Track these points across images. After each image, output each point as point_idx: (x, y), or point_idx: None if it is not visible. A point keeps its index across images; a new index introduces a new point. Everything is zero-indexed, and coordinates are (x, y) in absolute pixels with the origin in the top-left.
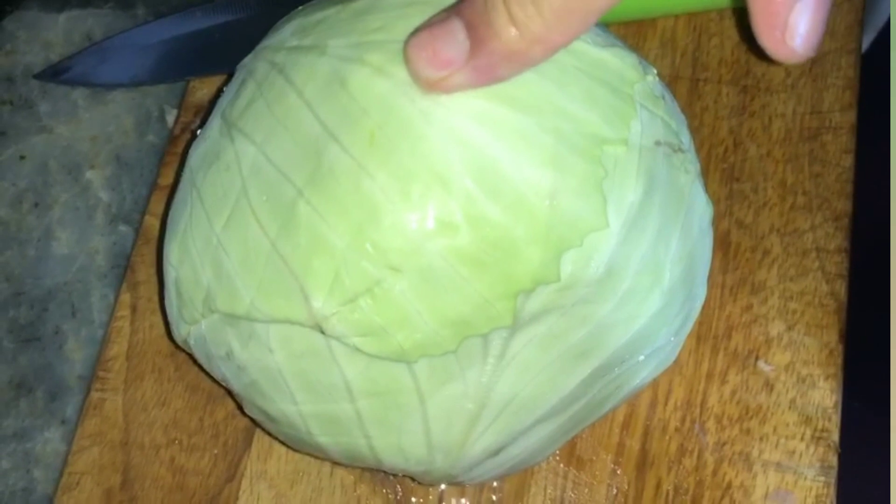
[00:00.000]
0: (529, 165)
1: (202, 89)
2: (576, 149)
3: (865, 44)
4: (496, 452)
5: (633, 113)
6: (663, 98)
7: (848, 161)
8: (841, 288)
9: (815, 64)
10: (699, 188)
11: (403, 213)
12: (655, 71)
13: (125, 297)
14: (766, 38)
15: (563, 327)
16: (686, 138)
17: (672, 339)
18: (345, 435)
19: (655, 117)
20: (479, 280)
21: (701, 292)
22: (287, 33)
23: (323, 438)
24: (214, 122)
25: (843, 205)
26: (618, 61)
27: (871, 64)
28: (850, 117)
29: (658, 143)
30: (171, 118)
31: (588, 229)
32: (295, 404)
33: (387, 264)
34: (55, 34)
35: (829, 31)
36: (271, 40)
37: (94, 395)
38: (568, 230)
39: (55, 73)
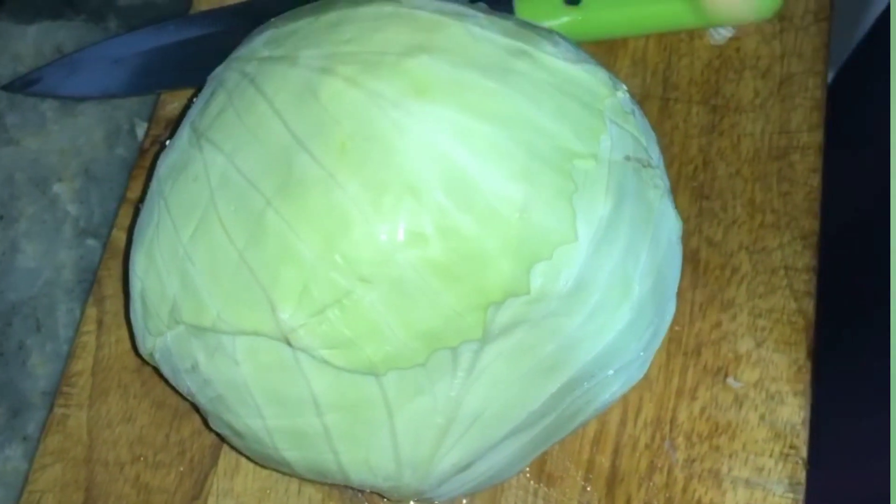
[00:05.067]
0: (501, 178)
1: (173, 102)
2: (547, 162)
3: (830, 76)
4: (465, 468)
5: (602, 128)
6: (633, 114)
7: (815, 180)
8: (809, 305)
9: (783, 84)
10: (668, 203)
11: (374, 223)
12: (626, 87)
13: (91, 312)
14: None
15: (533, 341)
16: (655, 154)
17: (641, 353)
18: (312, 450)
19: (625, 132)
20: (449, 292)
21: (670, 307)
22: (259, 44)
23: (289, 453)
24: (184, 131)
25: (811, 223)
26: (589, 77)
27: (837, 94)
28: (818, 137)
29: (628, 158)
30: (141, 131)
31: (558, 242)
32: (261, 418)
33: (356, 275)
34: (25, 46)
35: (797, 53)
36: (242, 51)
37: (58, 411)
38: (539, 243)
39: (24, 85)
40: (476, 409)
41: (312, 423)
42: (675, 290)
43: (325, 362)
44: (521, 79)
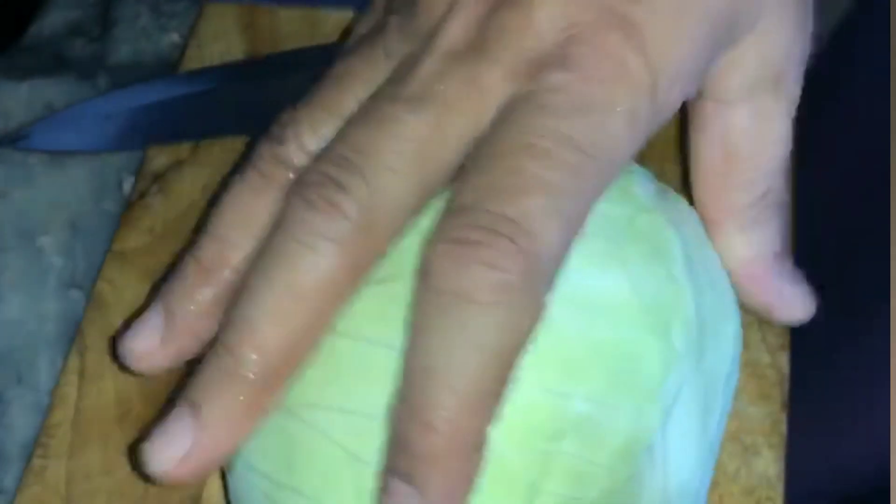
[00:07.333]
0: None
1: (160, 157)
2: None
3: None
4: None
5: None
6: None
7: (787, 239)
8: (783, 359)
9: None
10: None
11: None
12: None
13: (73, 362)
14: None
15: None
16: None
17: None
18: None
19: None
20: None
21: None
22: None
23: None
24: None
25: None
26: None
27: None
28: (789, 199)
29: None
30: (128, 186)
31: None
32: None
33: None
34: (16, 103)
35: None
36: None
37: (36, 462)
38: None
39: (13, 140)
40: None
41: None
42: None
43: None
44: None
